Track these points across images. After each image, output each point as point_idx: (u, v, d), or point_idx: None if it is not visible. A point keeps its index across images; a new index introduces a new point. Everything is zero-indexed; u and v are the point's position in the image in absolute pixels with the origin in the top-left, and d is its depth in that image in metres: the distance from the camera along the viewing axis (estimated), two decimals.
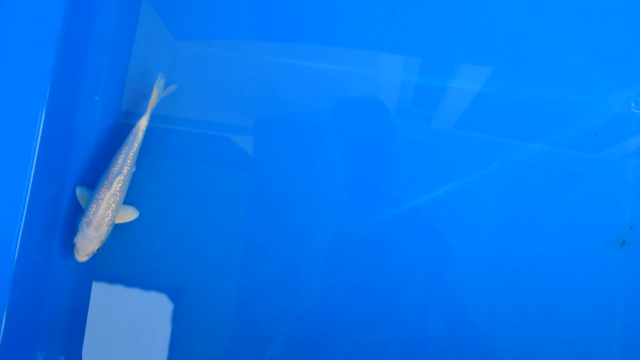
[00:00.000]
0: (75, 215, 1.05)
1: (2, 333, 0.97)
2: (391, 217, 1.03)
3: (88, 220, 0.97)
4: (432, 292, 1.01)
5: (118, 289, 1.05)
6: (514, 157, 1.03)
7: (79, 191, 1.03)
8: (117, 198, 0.98)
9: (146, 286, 1.05)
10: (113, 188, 0.97)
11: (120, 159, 0.98)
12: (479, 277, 1.01)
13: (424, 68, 1.05)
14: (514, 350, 0.99)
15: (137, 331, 1.05)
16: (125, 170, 0.98)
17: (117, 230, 1.03)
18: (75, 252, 0.98)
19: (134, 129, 1.00)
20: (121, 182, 0.98)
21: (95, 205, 0.97)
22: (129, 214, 1.04)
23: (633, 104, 1.02)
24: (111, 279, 1.05)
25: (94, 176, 1.04)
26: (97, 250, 0.98)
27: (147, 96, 1.02)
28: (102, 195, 0.97)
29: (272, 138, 1.06)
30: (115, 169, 0.98)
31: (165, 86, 1.04)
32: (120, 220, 1.02)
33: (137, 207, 1.04)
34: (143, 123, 1.01)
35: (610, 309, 1.00)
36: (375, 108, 1.06)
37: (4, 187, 0.96)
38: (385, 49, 1.06)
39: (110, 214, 0.98)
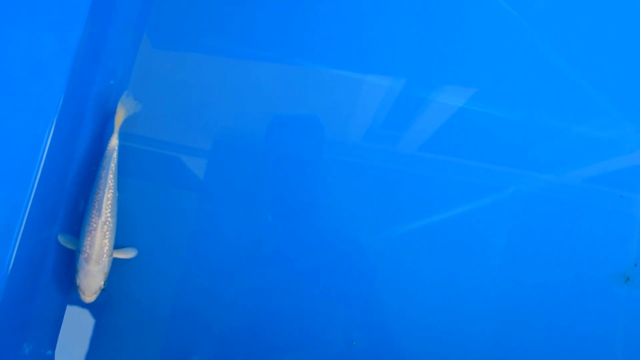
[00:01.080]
0: (78, 203, 1.01)
1: None
2: (403, 234, 1.02)
3: (86, 255, 0.92)
4: (438, 312, 1.00)
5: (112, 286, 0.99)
6: (525, 187, 1.03)
7: (62, 238, 0.97)
8: (110, 224, 0.94)
9: (143, 284, 1.01)
10: (103, 214, 0.93)
11: (101, 184, 0.94)
12: (484, 301, 1.01)
13: (447, 91, 1.05)
14: None
15: (128, 329, 1.01)
16: (110, 194, 0.94)
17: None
18: (80, 294, 0.92)
19: (106, 151, 0.97)
20: (109, 207, 0.94)
21: (89, 238, 0.92)
22: (128, 252, 0.99)
23: None
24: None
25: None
26: (104, 285, 0.94)
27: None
28: (94, 225, 0.92)
29: (281, 150, 1.05)
30: (99, 195, 0.93)
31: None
32: (119, 255, 0.98)
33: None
34: (113, 143, 0.97)
35: (611, 343, 1.01)
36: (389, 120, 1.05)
37: (17, 164, 0.92)
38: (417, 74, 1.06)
39: (107, 243, 0.93)
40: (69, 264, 1.00)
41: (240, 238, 1.02)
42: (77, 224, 1.01)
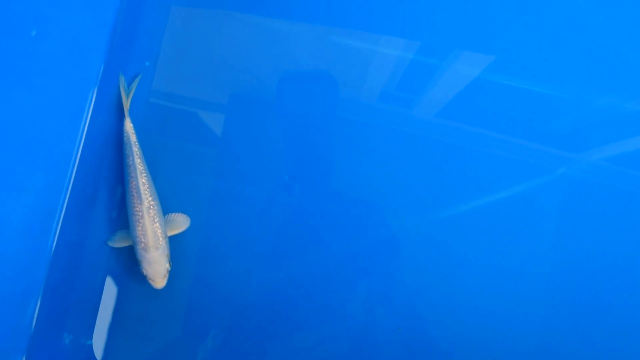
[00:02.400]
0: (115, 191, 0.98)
1: (36, 314, 0.89)
2: (449, 218, 0.99)
3: (143, 244, 0.89)
4: (486, 295, 0.98)
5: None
6: (575, 168, 1.00)
7: (112, 242, 0.95)
8: (155, 206, 0.91)
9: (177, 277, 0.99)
10: (144, 200, 0.90)
11: (132, 171, 0.91)
12: (535, 284, 0.98)
13: (504, 69, 1.02)
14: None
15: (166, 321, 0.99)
16: (144, 179, 0.91)
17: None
18: (151, 283, 0.90)
19: (124, 137, 0.93)
20: (147, 190, 0.90)
21: (139, 227, 0.89)
22: (181, 223, 0.97)
23: None
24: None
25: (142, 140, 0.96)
26: (170, 267, 0.91)
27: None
28: (140, 213, 0.89)
29: (296, 110, 1.01)
30: (133, 183, 0.90)
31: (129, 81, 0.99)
32: (173, 231, 0.95)
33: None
34: (128, 127, 0.94)
35: None
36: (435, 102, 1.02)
37: (57, 151, 0.89)
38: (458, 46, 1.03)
39: (158, 226, 0.90)
40: (105, 252, 0.98)
41: (257, 200, 0.99)
42: (116, 209, 0.98)
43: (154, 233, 0.89)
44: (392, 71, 1.02)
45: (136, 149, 0.92)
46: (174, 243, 0.96)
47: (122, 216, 0.97)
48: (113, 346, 0.98)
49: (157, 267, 0.89)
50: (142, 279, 0.93)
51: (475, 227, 0.99)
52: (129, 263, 0.97)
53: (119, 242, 0.95)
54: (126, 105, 0.95)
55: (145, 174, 0.91)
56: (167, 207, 0.97)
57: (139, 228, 0.89)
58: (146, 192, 0.90)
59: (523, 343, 0.98)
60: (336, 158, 1.00)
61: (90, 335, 0.97)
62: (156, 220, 0.90)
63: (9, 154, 0.80)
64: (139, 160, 0.92)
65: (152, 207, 0.90)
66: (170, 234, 0.94)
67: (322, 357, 0.96)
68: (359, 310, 0.98)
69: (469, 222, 0.99)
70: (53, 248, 0.90)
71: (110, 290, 0.98)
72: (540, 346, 0.97)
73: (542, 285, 0.98)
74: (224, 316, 0.98)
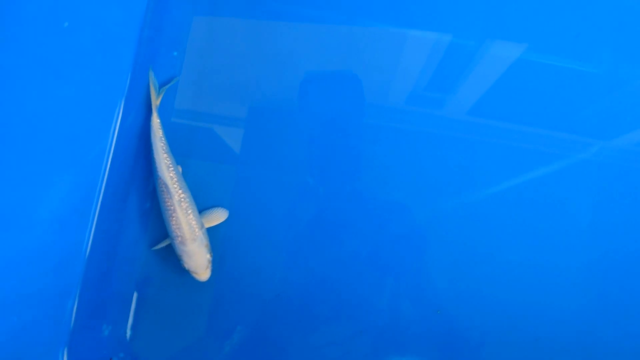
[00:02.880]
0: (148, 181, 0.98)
1: (75, 307, 0.90)
2: (483, 199, 0.98)
3: (180, 238, 0.89)
4: (522, 277, 0.97)
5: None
6: (609, 146, 0.99)
7: (159, 246, 0.96)
8: (186, 199, 0.90)
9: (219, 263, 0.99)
10: (174, 194, 0.89)
11: (159, 166, 0.90)
12: (571, 268, 0.97)
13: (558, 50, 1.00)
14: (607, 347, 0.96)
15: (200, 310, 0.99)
16: (172, 172, 0.90)
17: None
18: (195, 276, 0.90)
19: (151, 132, 0.92)
20: (176, 184, 0.90)
21: (174, 221, 0.89)
22: (219, 216, 0.96)
23: None
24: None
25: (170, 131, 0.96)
26: (211, 256, 0.91)
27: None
28: (172, 207, 0.89)
29: (318, 112, 1.00)
30: (162, 178, 0.90)
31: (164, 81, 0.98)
32: (210, 223, 0.95)
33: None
34: (155, 122, 0.93)
35: None
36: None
37: (91, 145, 0.89)
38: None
39: (193, 218, 0.89)
40: (141, 244, 0.98)
41: (281, 204, 0.98)
42: (149, 201, 0.98)
43: (189, 225, 0.88)
44: (419, 70, 1.00)
45: (162, 144, 0.92)
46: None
47: (155, 207, 0.97)
48: (149, 337, 0.98)
49: (197, 259, 0.89)
50: (178, 269, 0.93)
51: (510, 207, 0.98)
52: (164, 253, 0.97)
53: (161, 244, 0.95)
54: (155, 101, 0.94)
55: (172, 168, 0.91)
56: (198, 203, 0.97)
57: (173, 222, 0.88)
58: (175, 185, 0.90)
59: (558, 325, 0.96)
60: (361, 160, 0.99)
61: (128, 327, 0.97)
62: (189, 212, 0.89)
63: (47, 148, 0.80)
64: (165, 155, 0.91)
65: (183, 199, 0.89)
66: (207, 225, 0.94)
67: (347, 351, 0.96)
68: (385, 306, 0.97)
69: (504, 203, 0.97)
70: (90, 240, 0.90)
71: (146, 281, 0.98)
72: (577, 329, 0.96)
73: (577, 269, 0.97)
74: (251, 310, 0.98)
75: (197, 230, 0.89)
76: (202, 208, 0.97)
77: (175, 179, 0.90)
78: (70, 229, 0.87)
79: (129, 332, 0.97)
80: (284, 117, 1.00)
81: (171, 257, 0.96)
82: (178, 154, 0.96)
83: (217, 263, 0.96)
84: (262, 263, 0.98)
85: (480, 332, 0.95)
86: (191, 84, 0.99)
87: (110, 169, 0.91)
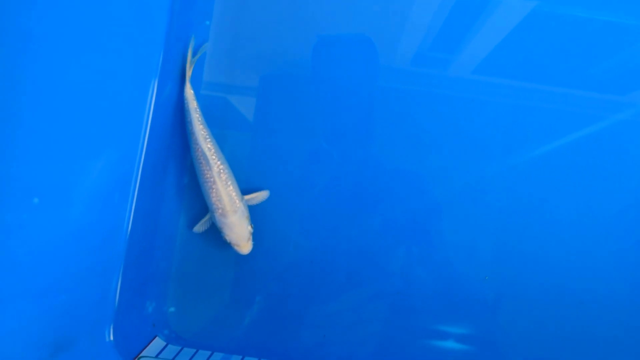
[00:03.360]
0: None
1: (119, 285, 0.89)
2: (527, 161, 0.96)
3: (220, 210, 0.87)
4: (567, 242, 0.95)
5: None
6: None
7: (198, 227, 0.94)
8: (225, 170, 0.88)
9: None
10: (213, 165, 0.87)
11: (195, 138, 0.88)
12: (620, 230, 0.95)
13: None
14: None
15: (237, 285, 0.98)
16: (209, 144, 0.88)
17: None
18: (237, 249, 0.89)
19: (185, 104, 0.90)
20: (214, 155, 0.88)
21: (214, 193, 0.87)
22: (260, 195, 0.94)
23: None
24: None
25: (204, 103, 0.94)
26: (252, 228, 0.89)
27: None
28: (211, 179, 0.87)
29: (330, 75, 0.98)
30: (199, 150, 0.87)
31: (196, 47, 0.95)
32: (253, 201, 0.93)
33: None
34: (189, 93, 0.90)
35: None
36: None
37: (129, 119, 0.87)
38: None
39: (232, 189, 0.88)
40: (179, 220, 0.96)
41: (295, 167, 0.97)
42: (187, 175, 0.96)
43: (229, 196, 0.87)
44: (427, 29, 0.97)
45: (197, 115, 0.89)
46: None
47: (193, 182, 0.95)
48: (191, 311, 0.98)
49: (239, 231, 0.87)
50: (217, 244, 0.92)
51: (554, 169, 0.95)
52: (201, 233, 0.96)
53: (202, 226, 0.93)
54: (188, 71, 0.92)
55: (209, 139, 0.89)
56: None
57: (213, 194, 0.86)
58: (214, 157, 0.88)
59: (604, 290, 0.95)
60: (375, 123, 0.96)
61: (171, 303, 0.96)
62: (229, 183, 0.87)
63: (86, 126, 0.78)
64: (201, 126, 0.89)
65: (222, 171, 0.87)
66: (250, 202, 0.93)
67: (362, 318, 0.95)
68: (399, 271, 0.95)
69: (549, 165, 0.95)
70: (131, 218, 0.89)
71: (186, 257, 0.97)
72: (622, 291, 0.95)
73: (624, 232, 0.95)
74: (271, 279, 0.97)
75: (237, 201, 0.87)
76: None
77: (213, 150, 0.88)
78: (112, 206, 0.85)
79: (171, 308, 0.97)
80: (295, 81, 0.97)
81: (210, 232, 0.94)
82: (213, 125, 0.94)
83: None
84: (279, 231, 0.97)
85: (526, 296, 0.94)
86: (222, 54, 0.97)
87: (148, 144, 0.89)
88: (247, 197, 0.91)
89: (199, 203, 0.95)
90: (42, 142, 0.70)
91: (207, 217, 0.92)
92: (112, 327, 0.89)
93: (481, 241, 0.94)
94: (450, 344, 0.93)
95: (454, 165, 0.94)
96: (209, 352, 0.95)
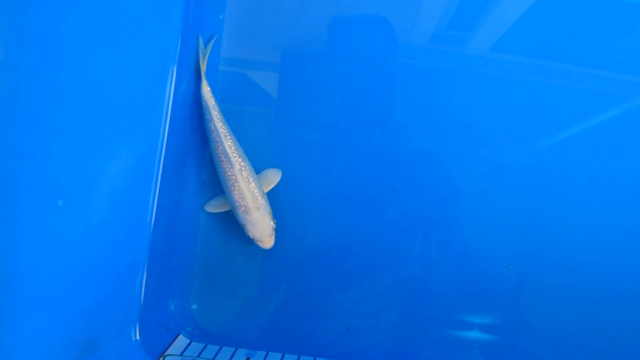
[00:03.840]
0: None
1: (144, 283, 0.88)
2: (552, 145, 0.94)
3: (243, 208, 0.86)
4: (591, 227, 0.94)
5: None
6: None
7: (208, 206, 0.93)
8: (246, 167, 0.87)
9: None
10: (235, 163, 0.86)
11: (215, 136, 0.87)
12: None
13: None
14: None
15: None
16: (230, 141, 0.87)
17: None
18: (260, 244, 0.88)
19: (203, 102, 0.89)
20: (235, 152, 0.86)
21: (236, 191, 0.85)
22: (273, 177, 0.93)
23: None
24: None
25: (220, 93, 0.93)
26: (275, 223, 0.88)
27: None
28: (233, 177, 0.85)
29: (347, 54, 0.96)
30: (220, 148, 0.86)
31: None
32: (268, 187, 0.92)
33: None
34: (206, 90, 0.89)
35: None
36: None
37: (147, 113, 0.85)
38: None
39: (254, 186, 0.86)
40: (199, 216, 0.95)
41: (314, 147, 0.95)
42: (206, 171, 0.95)
43: (252, 194, 0.86)
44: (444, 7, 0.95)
45: (216, 112, 0.88)
46: None
47: (212, 178, 0.94)
48: (212, 308, 0.97)
49: (262, 227, 0.86)
50: (238, 238, 0.91)
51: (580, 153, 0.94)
52: (222, 223, 0.95)
53: (216, 208, 0.92)
54: (203, 67, 0.90)
55: (229, 137, 0.87)
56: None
57: (236, 192, 0.85)
58: (234, 154, 0.87)
59: (628, 277, 0.94)
60: (393, 103, 0.95)
61: (193, 299, 0.96)
62: (251, 180, 0.86)
63: (107, 122, 0.76)
64: (220, 123, 0.88)
65: (243, 168, 0.86)
66: (266, 190, 0.91)
67: (384, 308, 0.95)
68: (419, 259, 0.95)
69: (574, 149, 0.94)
70: (154, 214, 0.88)
71: (207, 253, 0.97)
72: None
73: None
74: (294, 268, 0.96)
75: (259, 198, 0.86)
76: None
77: (233, 148, 0.87)
78: (135, 204, 0.84)
79: (194, 305, 0.96)
80: (312, 61, 0.96)
81: (229, 227, 0.94)
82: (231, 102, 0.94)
83: None
84: (298, 220, 0.96)
85: (551, 284, 0.93)
86: (238, 39, 0.95)
87: (167, 139, 0.88)
88: (265, 187, 0.90)
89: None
90: (64, 143, 0.69)
91: (222, 202, 0.91)
92: (137, 326, 0.88)
93: (504, 228, 0.93)
94: (474, 334, 0.93)
95: (476, 147, 0.93)
96: (232, 349, 0.95)
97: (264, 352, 0.94)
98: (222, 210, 0.92)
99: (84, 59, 0.70)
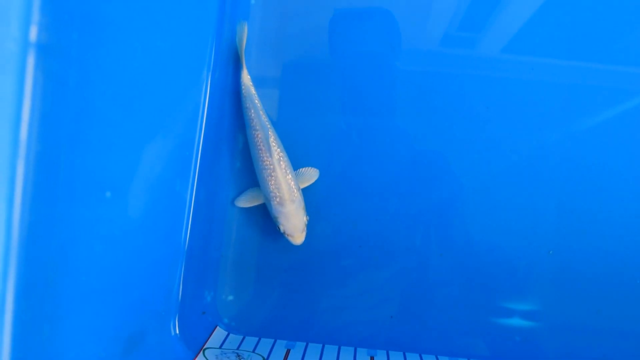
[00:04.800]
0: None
1: (182, 276, 0.86)
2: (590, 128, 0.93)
3: (278, 199, 0.83)
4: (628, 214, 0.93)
5: None
6: None
7: (240, 200, 0.90)
8: (284, 158, 0.85)
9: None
10: (274, 152, 0.83)
11: (255, 124, 0.84)
12: None
13: None
14: None
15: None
16: (270, 130, 0.84)
17: None
18: (291, 239, 0.85)
19: (242, 90, 0.86)
20: (274, 142, 0.84)
21: (272, 181, 0.83)
22: (310, 176, 0.91)
23: None
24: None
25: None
26: (307, 219, 0.85)
27: None
28: (271, 167, 0.83)
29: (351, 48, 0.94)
30: (259, 136, 0.84)
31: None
32: (304, 184, 0.90)
33: None
34: (246, 78, 0.87)
35: None
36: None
37: (187, 102, 0.83)
38: None
39: (291, 178, 0.84)
40: (235, 207, 0.93)
41: (321, 143, 0.94)
42: (239, 160, 0.93)
43: (288, 185, 0.84)
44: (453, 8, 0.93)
45: (257, 101, 0.86)
46: None
47: (245, 167, 0.92)
48: (247, 299, 0.96)
49: (295, 221, 0.84)
50: (273, 229, 0.89)
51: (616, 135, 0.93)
52: (257, 212, 0.93)
53: (247, 202, 0.90)
54: (242, 54, 0.88)
55: (269, 126, 0.85)
56: None
57: (272, 182, 0.83)
58: (274, 143, 0.84)
59: None
60: (396, 102, 0.93)
61: (229, 291, 0.94)
62: (288, 172, 0.84)
63: (148, 111, 0.74)
64: (261, 112, 0.85)
65: (282, 158, 0.84)
66: (303, 185, 0.90)
67: (428, 296, 0.94)
68: (459, 247, 0.93)
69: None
70: (192, 205, 0.86)
71: (241, 244, 0.95)
72: None
73: None
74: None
75: (295, 191, 0.84)
76: None
77: (273, 137, 0.85)
78: (175, 195, 0.82)
79: (230, 297, 0.94)
80: (313, 57, 0.93)
81: (265, 218, 0.92)
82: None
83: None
84: (331, 213, 0.94)
85: (592, 271, 0.93)
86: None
87: (205, 128, 0.85)
88: (301, 182, 0.88)
89: (253, 188, 0.92)
90: (111, 133, 0.67)
91: (253, 195, 0.89)
92: (176, 320, 0.86)
93: (543, 215, 0.92)
94: (515, 321, 0.92)
95: (497, 142, 0.92)
96: (271, 340, 0.93)
97: (304, 343, 0.93)
98: (253, 204, 0.90)
99: (130, 45, 0.67)
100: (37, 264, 0.55)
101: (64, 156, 0.59)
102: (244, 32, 0.88)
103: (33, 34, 0.52)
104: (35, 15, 0.52)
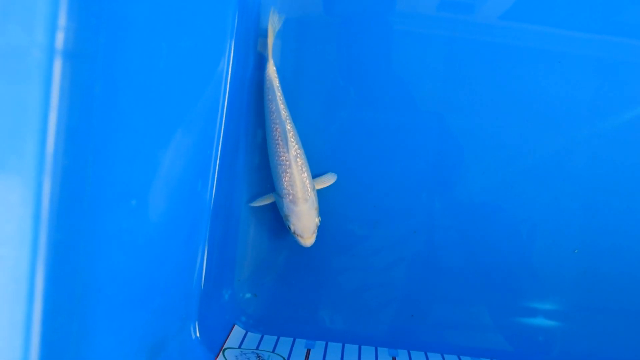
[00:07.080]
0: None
1: (204, 275, 0.84)
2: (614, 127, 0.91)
3: (291, 197, 0.80)
4: None
5: None
6: None
7: (255, 202, 0.88)
8: (302, 155, 0.81)
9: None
10: (291, 148, 0.80)
11: (275, 118, 0.81)
12: None
13: None
14: None
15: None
16: (289, 125, 0.81)
17: None
18: (300, 240, 0.81)
19: (266, 81, 0.83)
20: (293, 137, 0.81)
21: (287, 178, 0.79)
22: (327, 179, 0.87)
23: None
24: None
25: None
26: (319, 221, 0.82)
27: None
28: (287, 162, 0.80)
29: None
30: (278, 130, 0.80)
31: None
32: (319, 185, 0.86)
33: None
34: (271, 70, 0.83)
35: None
36: None
37: (206, 100, 0.79)
38: None
39: (306, 176, 0.81)
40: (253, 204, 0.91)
41: (325, 123, 0.91)
42: (258, 155, 0.90)
43: (303, 184, 0.81)
44: None
45: (279, 94, 0.82)
46: None
47: (262, 163, 0.89)
48: (265, 297, 0.94)
49: (306, 222, 0.81)
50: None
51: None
52: (274, 209, 0.90)
53: (260, 201, 0.88)
54: (270, 47, 0.84)
55: (289, 120, 0.82)
56: None
57: (286, 179, 0.80)
58: (292, 139, 0.81)
59: None
60: (395, 69, 0.90)
61: (247, 289, 0.92)
62: (304, 170, 0.81)
63: (174, 111, 0.70)
64: (282, 105, 0.82)
65: (299, 155, 0.81)
66: (318, 187, 0.86)
67: (449, 296, 0.93)
68: (483, 246, 0.92)
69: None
70: (212, 205, 0.83)
71: (259, 242, 0.93)
72: None
73: None
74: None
75: (309, 190, 0.82)
76: None
77: (292, 132, 0.82)
78: (196, 196, 0.79)
79: (247, 294, 0.92)
80: (309, 29, 0.90)
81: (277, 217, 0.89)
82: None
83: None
84: (345, 207, 0.92)
85: (615, 270, 0.91)
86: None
87: (225, 123, 0.82)
88: (316, 183, 0.85)
89: (270, 184, 0.89)
90: (136, 136, 0.63)
91: (268, 196, 0.87)
92: (197, 323, 0.84)
93: (570, 212, 0.91)
94: (539, 321, 0.91)
95: (523, 139, 0.90)
96: (290, 339, 0.92)
97: (324, 343, 0.92)
98: (266, 202, 0.87)
99: (153, 42, 0.63)
100: (64, 281, 0.53)
101: (90, 167, 0.55)
102: (277, 22, 0.84)
103: (59, 40, 0.48)
104: (62, 20, 0.48)
